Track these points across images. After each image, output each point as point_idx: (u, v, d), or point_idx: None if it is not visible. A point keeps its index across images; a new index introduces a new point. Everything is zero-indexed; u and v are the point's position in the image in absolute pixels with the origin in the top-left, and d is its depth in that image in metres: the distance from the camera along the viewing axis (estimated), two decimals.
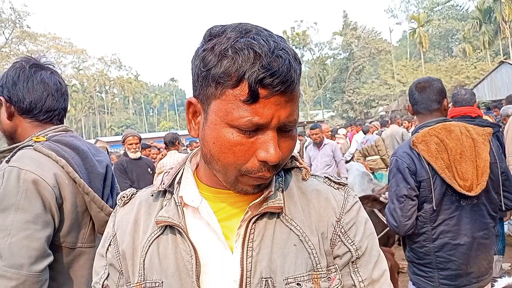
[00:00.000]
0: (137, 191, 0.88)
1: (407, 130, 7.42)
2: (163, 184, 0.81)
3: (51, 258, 1.16)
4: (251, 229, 0.75)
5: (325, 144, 5.92)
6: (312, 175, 0.86)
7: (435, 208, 1.87)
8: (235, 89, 0.65)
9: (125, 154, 4.89)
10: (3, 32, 29.16)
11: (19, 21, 29.09)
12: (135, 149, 4.79)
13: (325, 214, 0.79)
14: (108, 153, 1.57)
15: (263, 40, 0.66)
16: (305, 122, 25.96)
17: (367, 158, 7.55)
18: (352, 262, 0.79)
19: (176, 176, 0.82)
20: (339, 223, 0.79)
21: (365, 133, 8.63)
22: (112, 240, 0.83)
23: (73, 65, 39.08)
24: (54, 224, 1.18)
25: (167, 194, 0.82)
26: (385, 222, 2.70)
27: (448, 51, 47.97)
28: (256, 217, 0.75)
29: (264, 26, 0.72)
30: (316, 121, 26.37)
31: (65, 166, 1.22)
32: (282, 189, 0.79)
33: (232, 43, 0.65)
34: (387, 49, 43.75)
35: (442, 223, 1.89)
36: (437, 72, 34.10)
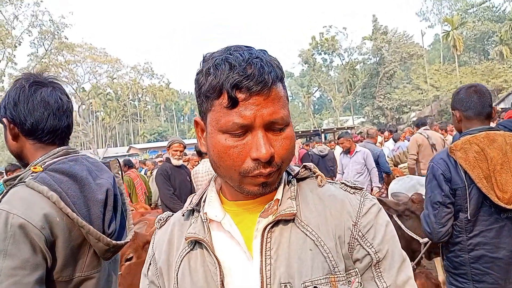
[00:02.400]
0: (172, 214, 0.97)
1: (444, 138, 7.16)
2: (191, 204, 0.90)
3: None
4: (267, 238, 0.79)
5: (356, 151, 5.85)
6: (328, 181, 0.89)
7: (469, 218, 1.83)
8: (219, 99, 0.74)
9: (168, 160, 4.87)
10: (43, 43, 30.55)
11: (57, 32, 30.41)
12: (179, 156, 4.77)
13: (341, 219, 0.81)
14: (120, 168, 1.55)
15: (239, 54, 0.75)
16: (335, 129, 25.66)
17: (400, 166, 7.38)
18: (374, 266, 0.80)
19: (202, 195, 0.90)
20: (355, 226, 0.80)
21: (395, 141, 8.46)
22: (152, 259, 0.92)
23: (107, 74, 40.35)
24: (46, 264, 1.16)
25: (195, 213, 0.89)
26: (404, 229, 2.65)
27: (484, 54, 46.30)
28: (271, 225, 0.79)
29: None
30: (346, 127, 26.01)
31: (57, 201, 1.19)
32: (296, 197, 0.84)
33: (214, 62, 0.75)
34: (419, 53, 42.69)
35: (479, 234, 1.84)
36: (472, 76, 32.96)
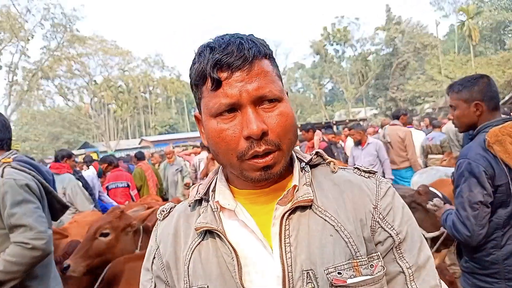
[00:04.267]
0: (175, 205, 0.93)
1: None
2: (199, 193, 0.86)
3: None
4: (285, 225, 0.77)
5: (368, 143, 5.77)
6: (340, 168, 0.88)
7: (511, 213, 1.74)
8: (205, 84, 0.75)
9: None
10: (55, 36, 30.81)
11: (69, 25, 30.63)
12: None
13: (360, 202, 0.80)
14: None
15: (220, 37, 0.76)
16: (347, 120, 25.45)
17: (429, 156, 7.19)
18: (396, 247, 0.80)
19: (210, 185, 0.87)
20: (376, 209, 0.80)
21: (435, 127, 8.22)
22: (156, 253, 0.88)
23: (119, 67, 40.60)
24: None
25: (203, 202, 0.86)
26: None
27: (501, 44, 45.33)
28: (288, 212, 0.77)
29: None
30: (358, 119, 25.79)
31: (35, 176, 1.92)
32: (311, 183, 0.82)
33: (198, 51, 0.77)
34: (433, 43, 41.97)
35: None
36: (488, 66, 32.32)
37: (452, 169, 4.22)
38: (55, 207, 2.05)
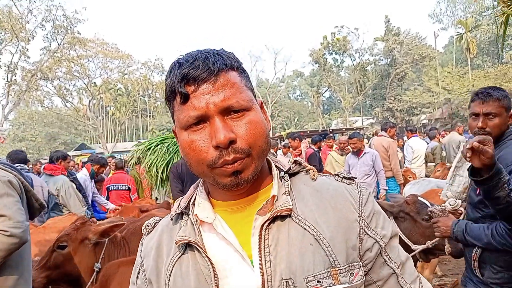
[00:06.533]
0: (160, 219, 0.94)
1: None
2: (180, 207, 0.87)
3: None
4: (265, 235, 0.78)
5: (365, 153, 5.80)
6: (320, 175, 0.89)
7: None
8: (176, 99, 0.78)
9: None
10: (55, 38, 30.79)
11: (70, 27, 30.61)
12: None
13: (345, 211, 0.81)
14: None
15: (189, 54, 0.79)
16: (344, 129, 25.51)
17: (414, 165, 7.33)
18: (383, 251, 0.82)
19: (191, 198, 0.88)
20: (361, 217, 0.81)
21: (431, 139, 8.34)
22: (140, 267, 0.90)
23: (118, 70, 40.54)
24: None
25: (184, 216, 0.87)
26: (399, 233, 2.52)
27: (498, 58, 45.66)
28: (268, 222, 0.78)
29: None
30: (355, 128, 25.84)
31: (17, 175, 2.08)
32: (290, 192, 0.82)
33: (170, 67, 0.79)
34: (432, 55, 42.21)
35: None
36: (485, 79, 32.49)
37: (444, 181, 4.18)
38: (34, 206, 2.21)
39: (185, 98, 0.74)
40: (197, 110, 0.74)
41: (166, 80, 0.80)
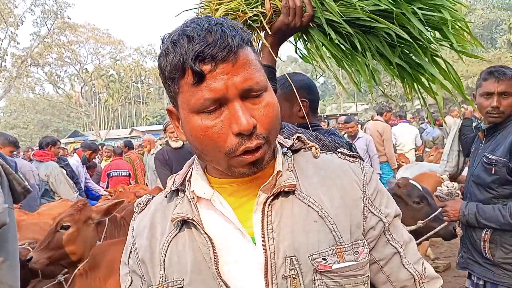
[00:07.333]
0: (152, 197, 0.90)
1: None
2: (175, 183, 0.82)
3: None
4: (268, 211, 0.75)
5: (359, 137, 5.81)
6: (322, 152, 0.86)
7: None
8: (184, 78, 0.67)
9: (167, 143, 4.79)
10: (45, 23, 30.29)
11: (60, 12, 30.12)
12: (176, 137, 4.58)
13: (349, 188, 0.79)
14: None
15: (196, 24, 0.68)
16: (338, 115, 25.54)
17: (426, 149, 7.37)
18: (386, 230, 0.81)
19: (186, 175, 0.84)
20: (365, 195, 0.79)
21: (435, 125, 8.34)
22: (132, 247, 0.85)
23: (110, 55, 40.12)
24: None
25: (179, 193, 0.83)
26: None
27: (492, 43, 45.67)
28: (271, 198, 0.75)
29: None
30: (349, 114, 25.88)
31: None
32: (293, 169, 0.80)
33: (171, 39, 0.69)
34: None
35: None
36: (479, 64, 32.54)
37: (437, 165, 4.18)
38: (17, 190, 2.19)
39: (200, 78, 0.65)
40: (214, 92, 0.66)
41: (166, 54, 0.69)
